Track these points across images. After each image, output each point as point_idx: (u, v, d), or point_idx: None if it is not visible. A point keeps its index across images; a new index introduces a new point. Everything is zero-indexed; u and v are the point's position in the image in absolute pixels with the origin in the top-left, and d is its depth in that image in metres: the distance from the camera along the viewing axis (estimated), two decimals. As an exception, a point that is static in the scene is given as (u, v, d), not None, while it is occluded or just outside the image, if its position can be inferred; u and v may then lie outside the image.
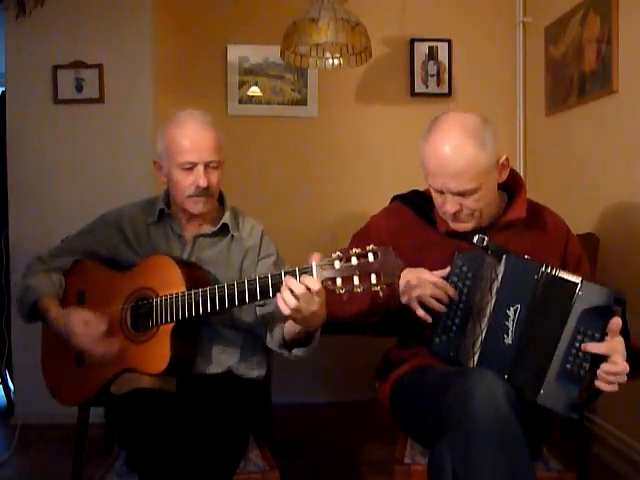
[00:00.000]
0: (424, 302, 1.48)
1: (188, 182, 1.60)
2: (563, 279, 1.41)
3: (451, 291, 1.48)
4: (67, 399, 1.65)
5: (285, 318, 1.46)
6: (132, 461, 1.40)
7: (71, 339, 1.52)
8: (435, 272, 1.50)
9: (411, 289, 1.49)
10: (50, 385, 1.68)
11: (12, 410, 2.85)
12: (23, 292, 1.63)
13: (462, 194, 1.47)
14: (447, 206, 1.50)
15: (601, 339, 1.36)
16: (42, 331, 1.72)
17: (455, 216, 1.53)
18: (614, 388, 1.34)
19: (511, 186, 1.62)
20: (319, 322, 1.43)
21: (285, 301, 1.32)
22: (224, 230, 1.70)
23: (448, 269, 1.50)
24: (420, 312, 1.49)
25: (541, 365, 1.40)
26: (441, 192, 1.50)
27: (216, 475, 1.36)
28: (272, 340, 1.62)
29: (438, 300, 1.48)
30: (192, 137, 1.59)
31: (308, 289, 1.30)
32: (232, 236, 1.69)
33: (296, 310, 1.32)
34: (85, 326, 1.51)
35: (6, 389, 3.00)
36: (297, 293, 1.30)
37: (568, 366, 1.37)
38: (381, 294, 1.29)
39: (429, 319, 1.49)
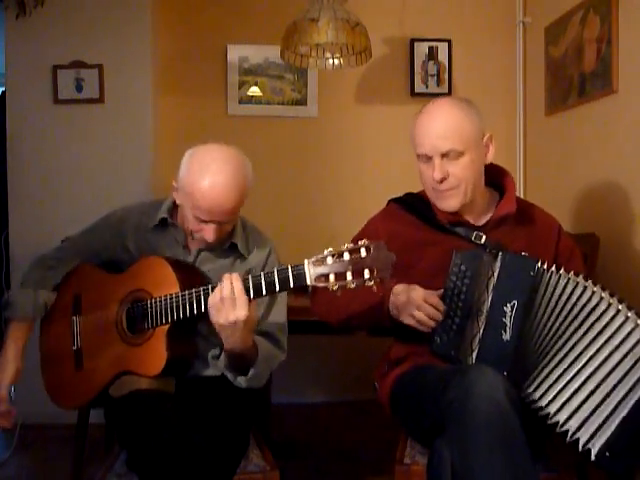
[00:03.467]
0: (415, 319, 1.49)
1: (197, 228, 1.53)
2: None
3: (441, 307, 1.48)
4: (66, 403, 1.65)
5: None
6: (132, 461, 1.40)
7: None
8: (428, 291, 1.50)
9: (402, 306, 1.50)
10: (49, 389, 1.67)
11: (12, 410, 2.85)
12: (6, 303, 1.63)
13: (448, 155, 1.53)
14: (435, 173, 1.54)
15: None
16: (40, 336, 1.71)
17: (442, 187, 1.55)
18: None
19: (501, 184, 1.66)
20: (238, 343, 1.43)
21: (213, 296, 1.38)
22: (233, 249, 1.65)
23: (441, 291, 1.51)
24: (414, 325, 1.50)
25: (555, 374, 1.41)
26: (428, 157, 1.55)
27: (216, 475, 1.36)
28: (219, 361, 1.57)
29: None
30: (213, 201, 1.45)
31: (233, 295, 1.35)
32: (240, 254, 1.65)
33: (215, 307, 1.37)
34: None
35: (6, 389, 3.00)
36: (225, 294, 1.35)
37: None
38: (374, 289, 1.29)
39: (425, 329, 1.49)
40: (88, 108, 2.80)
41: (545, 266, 1.44)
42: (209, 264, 1.64)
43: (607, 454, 1.32)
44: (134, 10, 2.80)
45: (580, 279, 1.44)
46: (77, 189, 2.79)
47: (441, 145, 1.52)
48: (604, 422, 1.35)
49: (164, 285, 1.52)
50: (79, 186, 2.80)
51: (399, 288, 1.54)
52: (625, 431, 1.32)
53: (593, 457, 1.33)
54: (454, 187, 1.56)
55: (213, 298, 1.37)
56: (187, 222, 1.56)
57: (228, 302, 1.35)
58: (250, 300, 1.36)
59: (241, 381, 1.53)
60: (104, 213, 1.78)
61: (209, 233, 1.51)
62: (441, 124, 1.54)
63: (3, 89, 2.85)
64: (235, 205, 1.50)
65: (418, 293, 1.49)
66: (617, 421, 1.34)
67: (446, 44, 3.14)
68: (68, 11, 2.77)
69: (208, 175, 1.46)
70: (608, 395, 1.36)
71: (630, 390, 1.35)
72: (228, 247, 1.64)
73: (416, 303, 1.47)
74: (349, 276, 1.27)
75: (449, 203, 1.58)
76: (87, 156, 2.80)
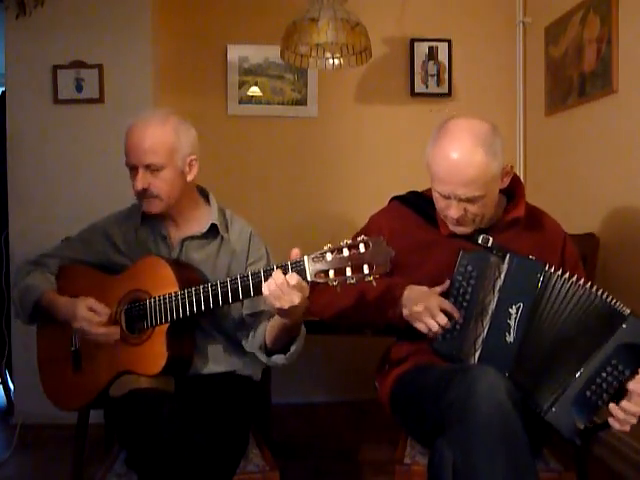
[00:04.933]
0: (424, 322, 1.49)
1: (133, 184, 1.59)
2: (610, 305, 1.40)
3: (455, 313, 1.48)
4: (66, 405, 1.65)
5: (267, 320, 1.54)
6: (132, 461, 1.40)
7: (74, 323, 1.52)
8: (435, 288, 1.51)
9: (412, 307, 1.50)
10: (48, 392, 1.67)
11: (12, 410, 2.85)
12: (23, 292, 1.63)
13: (469, 201, 1.49)
14: (452, 211, 1.52)
15: (630, 377, 1.35)
16: (37, 340, 1.71)
17: (458, 221, 1.54)
18: (626, 428, 1.33)
19: (510, 188, 1.63)
20: (298, 315, 1.44)
21: (267, 286, 1.36)
22: (213, 232, 1.67)
23: (447, 283, 1.51)
24: (421, 327, 1.50)
25: (553, 374, 1.41)
26: (447, 197, 1.51)
27: (216, 475, 1.36)
28: (253, 341, 1.60)
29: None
30: (132, 139, 1.56)
31: (287, 282, 1.33)
32: (221, 238, 1.67)
33: (274, 296, 1.35)
34: (89, 310, 1.51)
35: (6, 389, 3.00)
36: (278, 283, 1.34)
37: (588, 394, 1.37)
38: (374, 284, 1.30)
39: (431, 333, 1.49)
40: (88, 108, 2.80)
41: (552, 269, 1.44)
42: (195, 254, 1.66)
43: (553, 409, 1.39)
44: (134, 10, 2.80)
45: (587, 285, 1.44)
46: (77, 189, 2.79)
47: (462, 193, 1.47)
48: (558, 387, 1.40)
49: (163, 285, 1.53)
50: (79, 186, 2.79)
51: (413, 293, 1.53)
52: (572, 389, 1.39)
53: (543, 414, 1.40)
54: (469, 221, 1.55)
55: (270, 286, 1.35)
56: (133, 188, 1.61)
57: (285, 289, 1.34)
58: (308, 283, 1.36)
59: (278, 360, 1.55)
60: (104, 213, 1.79)
61: (137, 180, 1.56)
62: (464, 170, 1.45)
63: (3, 89, 2.85)
64: (154, 141, 1.55)
65: (434, 301, 1.48)
66: (566, 383, 1.40)
67: (446, 44, 3.14)
68: (68, 11, 2.76)
69: (133, 121, 1.59)
70: (570, 369, 1.41)
71: (584, 360, 1.40)
72: (208, 230, 1.66)
73: (432, 312, 1.47)
74: (348, 272, 1.28)
75: (462, 230, 1.58)
76: (87, 156, 2.80)
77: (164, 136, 1.57)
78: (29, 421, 2.65)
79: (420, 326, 1.50)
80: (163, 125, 1.58)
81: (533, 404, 1.41)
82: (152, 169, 1.56)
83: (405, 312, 1.53)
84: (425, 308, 1.48)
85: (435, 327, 1.47)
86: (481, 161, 1.44)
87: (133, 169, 1.58)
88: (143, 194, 1.58)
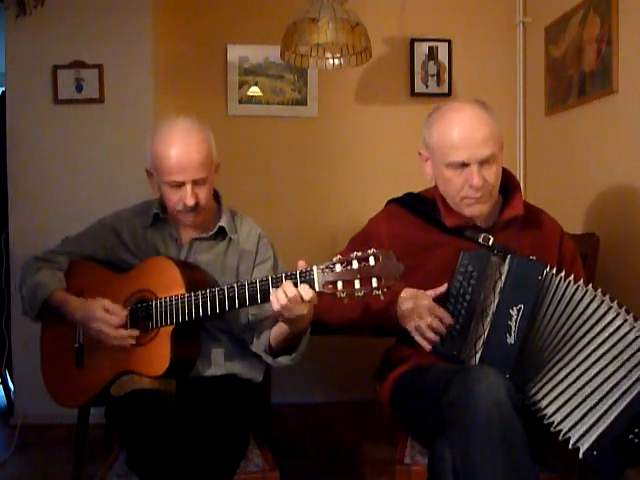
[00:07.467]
0: (420, 332, 1.49)
1: (176, 199, 1.58)
2: None
3: (448, 319, 1.47)
4: (67, 401, 1.65)
5: (273, 323, 1.53)
6: (133, 461, 1.40)
7: (91, 323, 1.52)
8: (429, 291, 1.50)
9: (408, 314, 1.50)
10: (50, 389, 1.67)
11: (12, 410, 2.84)
12: (32, 289, 1.62)
13: (487, 161, 1.51)
14: (475, 179, 1.50)
15: None
16: (40, 336, 1.71)
17: (477, 194, 1.53)
18: None
19: (506, 186, 1.64)
20: (305, 324, 1.45)
21: (277, 299, 1.36)
22: (221, 233, 1.68)
23: (445, 286, 1.50)
24: (417, 338, 1.50)
25: (556, 377, 1.41)
26: (465, 165, 1.51)
27: (216, 475, 1.36)
28: (258, 344, 1.61)
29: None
30: (178, 155, 1.54)
31: (301, 297, 1.34)
32: (230, 239, 1.68)
33: (285, 308, 1.36)
34: (106, 311, 1.52)
35: (6, 389, 3.00)
36: (290, 297, 1.34)
37: (631, 436, 1.34)
38: (382, 298, 1.30)
39: (428, 347, 1.49)
40: (88, 108, 2.80)
41: (554, 271, 1.44)
42: (203, 254, 1.66)
43: (594, 453, 1.35)
44: (134, 10, 2.79)
45: (588, 287, 1.44)
46: (77, 189, 2.79)
47: (482, 152, 1.49)
48: (595, 423, 1.37)
49: (170, 286, 1.53)
50: (79, 186, 2.79)
51: (407, 294, 1.53)
52: (613, 432, 1.34)
53: (581, 455, 1.36)
54: (487, 193, 1.54)
55: (280, 300, 1.36)
56: (169, 202, 1.60)
57: (295, 301, 1.36)
58: (315, 292, 1.37)
59: (283, 361, 1.56)
60: (104, 213, 1.79)
61: (187, 196, 1.55)
62: (479, 130, 1.50)
63: (3, 89, 2.85)
64: (201, 154, 1.55)
65: (425, 303, 1.48)
66: (607, 422, 1.36)
67: (446, 44, 3.14)
68: (68, 11, 2.76)
69: (167, 134, 1.56)
70: (601, 399, 1.38)
71: (622, 395, 1.37)
72: (217, 232, 1.67)
73: (421, 314, 1.47)
74: (357, 284, 1.28)
75: (479, 209, 1.57)
76: (87, 156, 2.80)
77: (206, 149, 1.59)
78: (29, 421, 2.65)
79: (411, 327, 1.50)
80: (201, 137, 1.59)
81: (535, 408, 1.41)
82: (199, 183, 1.57)
83: (398, 313, 1.53)
84: (413, 309, 1.48)
85: (425, 330, 1.47)
86: (488, 118, 1.53)
87: (178, 185, 1.56)
88: (194, 208, 1.58)
